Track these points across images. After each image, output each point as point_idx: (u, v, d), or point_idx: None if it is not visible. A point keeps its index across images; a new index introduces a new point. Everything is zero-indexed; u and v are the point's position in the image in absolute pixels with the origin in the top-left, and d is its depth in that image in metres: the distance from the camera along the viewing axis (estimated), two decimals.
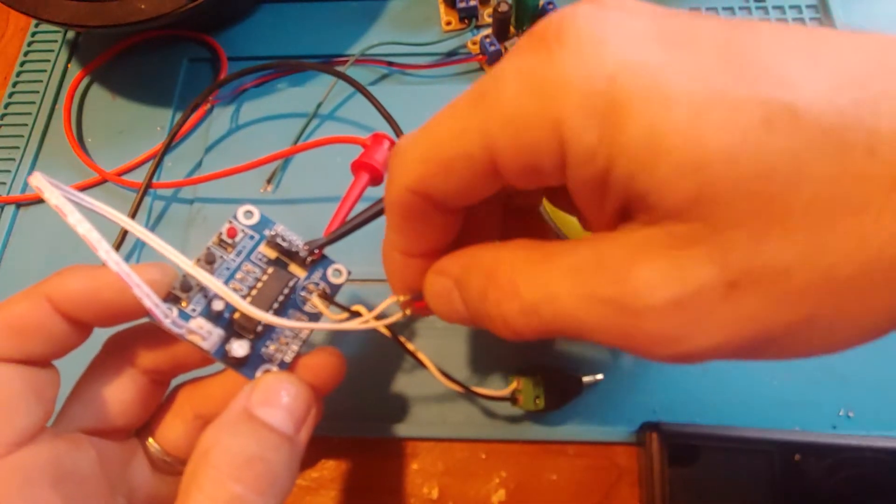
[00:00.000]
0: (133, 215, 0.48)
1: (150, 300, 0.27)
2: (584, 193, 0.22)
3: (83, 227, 0.25)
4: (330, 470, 0.43)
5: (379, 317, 0.32)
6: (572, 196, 0.23)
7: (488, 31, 0.53)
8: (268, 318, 0.30)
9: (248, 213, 0.33)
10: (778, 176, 0.18)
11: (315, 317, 0.33)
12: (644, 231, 0.21)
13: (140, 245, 0.49)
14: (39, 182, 0.26)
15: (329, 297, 0.33)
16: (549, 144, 0.21)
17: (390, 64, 0.55)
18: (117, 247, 0.48)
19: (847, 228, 0.18)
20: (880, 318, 0.20)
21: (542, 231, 0.36)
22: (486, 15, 0.55)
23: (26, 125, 0.55)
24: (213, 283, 0.29)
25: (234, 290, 0.32)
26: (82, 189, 0.52)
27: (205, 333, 0.30)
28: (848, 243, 0.18)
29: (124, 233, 0.48)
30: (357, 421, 0.43)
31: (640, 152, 0.19)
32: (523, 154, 0.22)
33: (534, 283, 0.23)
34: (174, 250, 0.29)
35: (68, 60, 0.58)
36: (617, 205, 0.22)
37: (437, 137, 0.24)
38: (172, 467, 0.34)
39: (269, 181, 0.50)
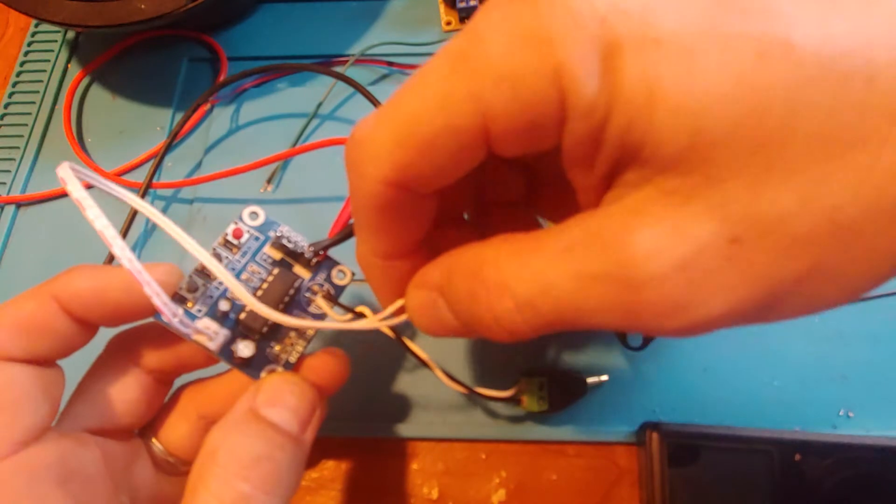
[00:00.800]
0: (133, 215, 0.48)
1: (160, 300, 0.27)
2: (578, 152, 0.21)
3: (101, 223, 0.25)
4: (330, 470, 0.43)
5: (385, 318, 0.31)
6: (564, 156, 0.22)
7: None
8: (279, 317, 0.30)
9: (254, 215, 0.33)
10: (774, 112, 0.18)
11: (319, 318, 0.33)
12: (636, 195, 0.20)
13: (141, 243, 0.49)
14: (65, 173, 0.26)
15: (333, 298, 0.33)
16: (550, 98, 0.19)
17: (390, 64, 0.55)
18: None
19: (847, 166, 0.18)
20: (887, 260, 0.19)
21: (523, 224, 0.34)
22: None
23: (26, 125, 0.54)
24: (227, 277, 0.29)
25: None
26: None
27: (211, 334, 0.30)
28: (848, 183, 0.18)
29: (126, 229, 0.47)
30: (358, 421, 0.43)
31: (635, 100, 0.19)
32: (523, 113, 0.20)
33: (524, 274, 0.22)
34: (194, 241, 0.29)
35: (68, 60, 0.58)
36: (609, 164, 0.21)
37: (413, 113, 0.22)
38: (176, 468, 0.34)
39: (269, 181, 0.50)
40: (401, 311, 0.29)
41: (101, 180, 0.28)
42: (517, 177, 0.32)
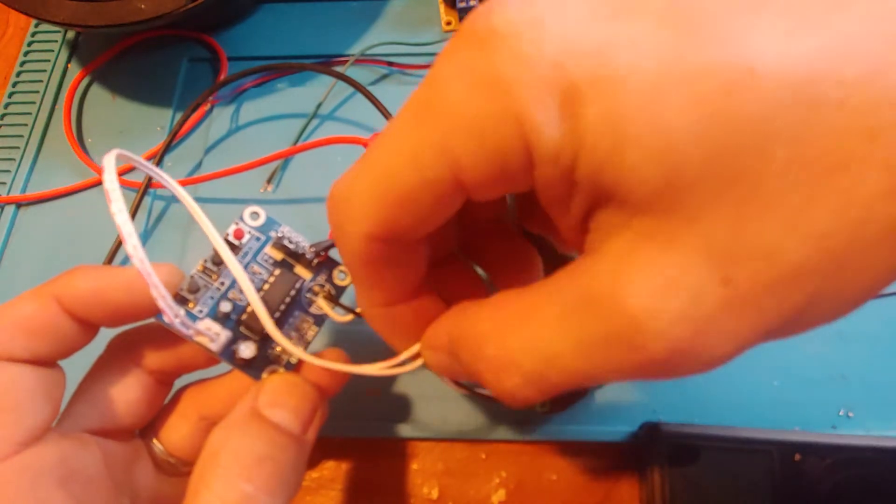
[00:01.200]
0: (133, 216, 0.48)
1: (165, 301, 0.27)
2: (551, 194, 0.21)
3: (121, 218, 0.25)
4: (330, 470, 0.43)
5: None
6: (539, 198, 0.22)
7: None
8: (301, 353, 0.31)
9: (255, 215, 0.33)
10: (747, 146, 0.17)
11: (321, 318, 0.33)
12: (618, 241, 0.20)
13: (140, 243, 0.49)
14: (108, 163, 0.26)
15: (334, 298, 0.33)
16: (515, 146, 0.19)
17: (390, 64, 0.55)
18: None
19: (830, 191, 0.17)
20: (882, 275, 0.18)
21: (506, 243, 0.33)
22: None
23: (26, 125, 0.54)
24: (238, 271, 0.29)
25: (241, 292, 0.32)
26: (82, 189, 0.52)
27: (212, 335, 0.30)
28: (833, 208, 0.17)
29: None
30: (358, 421, 0.43)
31: (602, 142, 0.18)
32: (492, 161, 0.20)
33: (527, 348, 0.22)
34: (222, 241, 0.29)
35: (68, 60, 0.58)
36: (586, 204, 0.20)
37: (386, 170, 0.22)
38: (176, 468, 0.34)
39: (269, 181, 0.50)
40: (415, 356, 0.29)
41: (152, 168, 0.29)
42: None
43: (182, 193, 0.30)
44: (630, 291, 0.19)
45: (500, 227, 0.32)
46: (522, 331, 0.22)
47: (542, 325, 0.21)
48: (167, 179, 0.30)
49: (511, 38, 0.19)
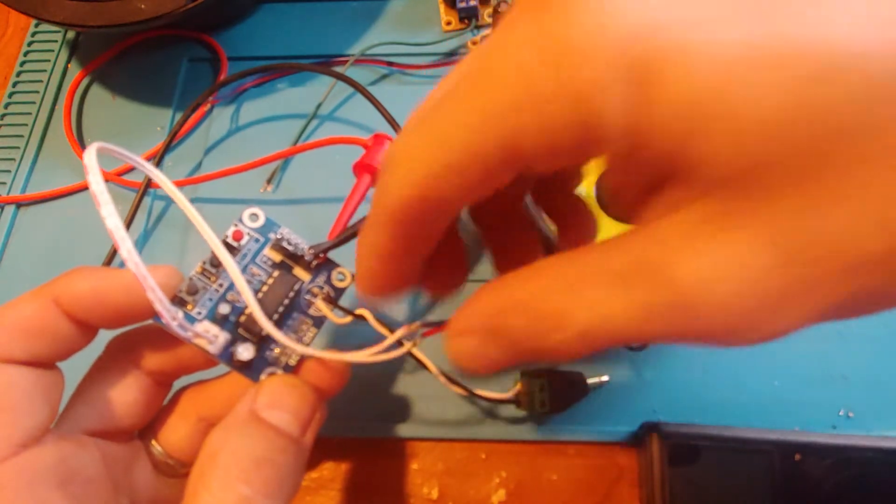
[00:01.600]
0: (132, 215, 0.48)
1: (162, 304, 0.27)
2: (619, 166, 0.21)
3: (112, 222, 0.25)
4: (330, 470, 0.43)
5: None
6: (607, 166, 0.21)
7: (488, 30, 0.53)
8: (302, 348, 0.31)
9: (254, 216, 0.33)
10: (832, 136, 0.16)
11: (319, 320, 0.33)
12: (683, 216, 0.19)
13: (140, 243, 0.49)
14: (90, 161, 0.25)
15: (333, 300, 0.33)
16: (578, 119, 0.18)
17: (390, 64, 0.55)
18: None
19: None
20: None
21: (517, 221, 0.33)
22: (486, 15, 0.55)
23: (26, 125, 0.55)
24: (239, 278, 0.29)
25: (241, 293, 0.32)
26: (82, 189, 0.52)
27: (211, 337, 0.30)
28: None
29: (126, 228, 0.48)
30: (357, 421, 0.43)
31: (682, 121, 0.17)
32: (550, 134, 0.19)
33: (582, 305, 0.21)
34: (214, 236, 0.29)
35: (68, 60, 0.58)
36: (653, 179, 0.20)
37: (443, 133, 0.21)
38: (175, 469, 0.34)
39: (269, 181, 0.50)
40: (400, 344, 0.30)
41: (137, 160, 0.28)
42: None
43: (173, 188, 0.30)
44: (689, 262, 0.19)
45: (516, 215, 0.32)
46: (576, 290, 0.22)
47: (596, 286, 0.21)
48: (158, 173, 0.30)
49: (581, 7, 0.18)
